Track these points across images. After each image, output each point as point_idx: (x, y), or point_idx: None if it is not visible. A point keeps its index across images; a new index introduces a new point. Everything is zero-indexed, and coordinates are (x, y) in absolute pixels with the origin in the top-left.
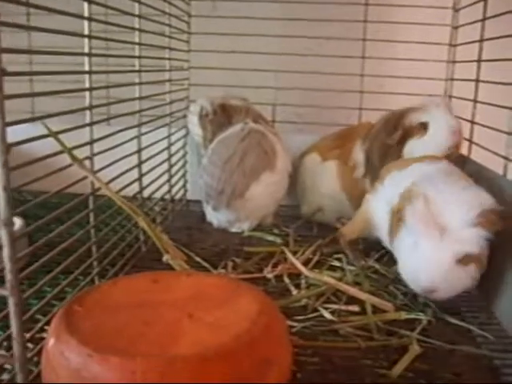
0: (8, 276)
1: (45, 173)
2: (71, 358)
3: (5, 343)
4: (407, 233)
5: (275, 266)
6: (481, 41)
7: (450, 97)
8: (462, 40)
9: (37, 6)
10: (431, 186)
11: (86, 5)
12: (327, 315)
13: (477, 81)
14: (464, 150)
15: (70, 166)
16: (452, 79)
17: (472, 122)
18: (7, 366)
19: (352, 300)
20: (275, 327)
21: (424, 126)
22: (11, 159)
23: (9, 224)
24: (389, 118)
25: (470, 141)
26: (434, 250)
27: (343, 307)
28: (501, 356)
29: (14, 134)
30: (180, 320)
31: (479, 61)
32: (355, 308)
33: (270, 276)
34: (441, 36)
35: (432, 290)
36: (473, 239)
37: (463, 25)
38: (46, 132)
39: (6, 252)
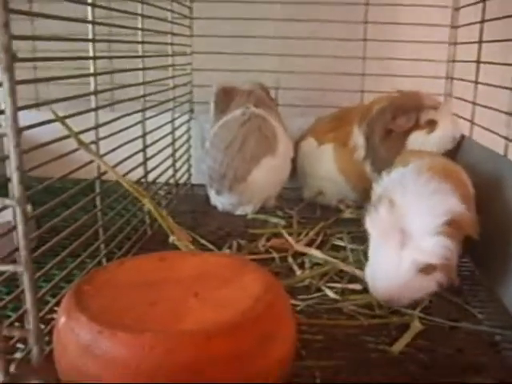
0: (22, 252)
1: (48, 159)
2: (81, 335)
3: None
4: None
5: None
6: (482, 22)
7: (452, 78)
8: (463, 21)
9: None
10: (401, 189)
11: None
12: (331, 294)
13: (478, 62)
14: (466, 131)
15: (75, 150)
16: (454, 61)
17: (473, 103)
18: (20, 346)
19: (354, 278)
20: (279, 305)
21: (433, 124)
22: None
23: (22, 202)
24: (397, 103)
25: (472, 122)
26: (392, 259)
27: (347, 286)
28: (502, 332)
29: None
30: (186, 298)
31: (480, 42)
32: (357, 286)
33: (262, 249)
34: (442, 17)
35: (389, 299)
36: (436, 249)
37: (464, 6)
38: (50, 119)
39: (19, 229)
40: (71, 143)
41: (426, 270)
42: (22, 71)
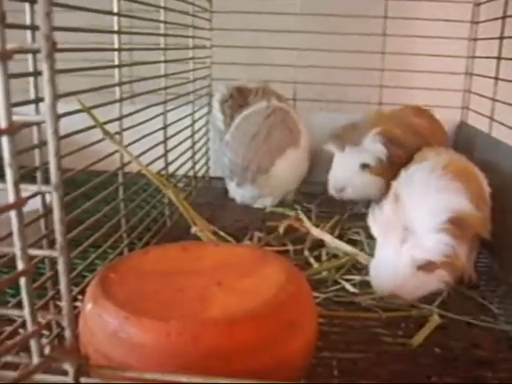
0: (58, 238)
1: (70, 150)
2: (109, 321)
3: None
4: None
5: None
6: (503, 17)
7: (472, 74)
8: (484, 17)
9: None
10: (409, 185)
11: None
12: (349, 287)
13: (498, 58)
14: (485, 127)
15: (99, 141)
16: (473, 57)
17: (493, 100)
18: (45, 332)
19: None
20: (302, 294)
21: None
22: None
23: (58, 188)
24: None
25: (492, 118)
26: (392, 256)
27: (364, 278)
28: None
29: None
30: (210, 287)
31: (501, 38)
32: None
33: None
34: (463, 13)
35: (389, 296)
36: (435, 246)
37: (485, 2)
38: (78, 109)
39: (56, 214)
40: (93, 135)
41: (426, 267)
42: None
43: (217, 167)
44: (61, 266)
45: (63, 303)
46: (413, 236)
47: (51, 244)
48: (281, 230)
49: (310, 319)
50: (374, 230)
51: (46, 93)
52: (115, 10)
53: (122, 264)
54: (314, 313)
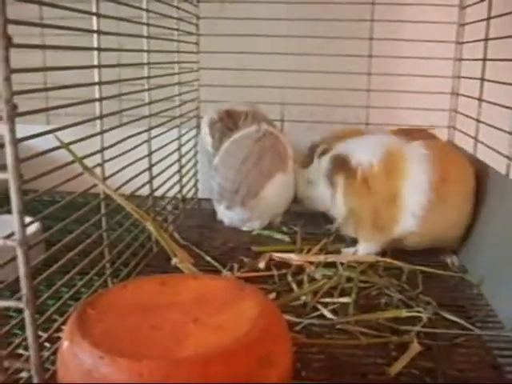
0: (24, 290)
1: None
2: (83, 360)
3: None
4: None
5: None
6: (486, 40)
7: (458, 94)
8: (468, 38)
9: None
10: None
11: (94, 20)
12: (326, 313)
13: (482, 79)
14: (470, 148)
15: (80, 174)
16: (459, 77)
17: (477, 121)
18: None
19: (345, 292)
20: (274, 328)
21: None
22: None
23: (24, 244)
24: None
25: (476, 139)
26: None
27: (336, 300)
28: (502, 353)
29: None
30: (186, 323)
31: (485, 60)
32: (347, 299)
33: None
34: (448, 34)
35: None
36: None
37: (470, 23)
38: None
39: (21, 270)
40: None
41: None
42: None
43: (206, 188)
44: (27, 319)
45: (31, 353)
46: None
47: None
48: (261, 265)
49: (284, 354)
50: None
51: (9, 157)
52: (95, 44)
53: (100, 299)
54: (288, 346)
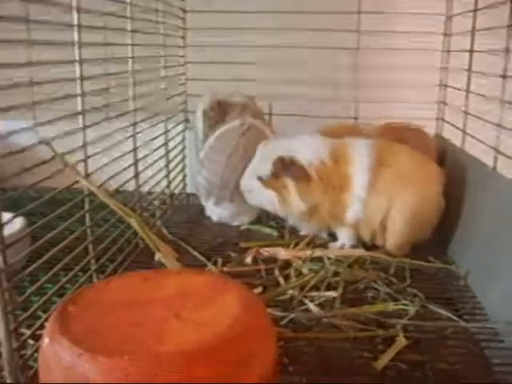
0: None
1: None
2: (64, 357)
3: None
4: None
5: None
6: (473, 31)
7: (445, 86)
8: (456, 30)
9: None
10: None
11: (75, 14)
12: (312, 307)
13: (469, 71)
14: (458, 141)
15: (61, 169)
16: (447, 68)
17: (465, 113)
18: None
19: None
20: (258, 324)
21: None
22: None
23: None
24: None
25: (464, 131)
26: (251, 165)
27: (323, 294)
28: (489, 345)
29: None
30: (168, 319)
31: (471, 51)
32: (334, 293)
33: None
34: (436, 25)
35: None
36: (265, 169)
37: (457, 14)
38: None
39: None
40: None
41: (261, 182)
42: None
43: (194, 183)
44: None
45: (4, 354)
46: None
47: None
48: (248, 260)
49: (267, 349)
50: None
51: None
52: (76, 39)
53: (82, 296)
54: (273, 342)
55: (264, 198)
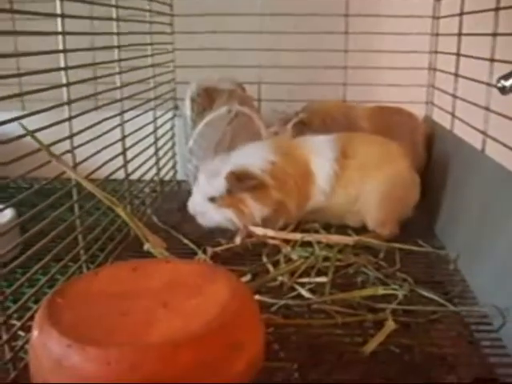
0: None
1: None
2: (52, 349)
3: None
4: None
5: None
6: (461, 14)
7: (434, 69)
8: (445, 13)
9: None
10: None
11: (58, 3)
12: (304, 293)
13: (458, 54)
14: (447, 124)
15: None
16: (436, 52)
17: (454, 96)
18: None
19: (322, 272)
20: (246, 312)
21: None
22: None
23: None
24: None
25: (453, 114)
26: (196, 187)
27: (313, 280)
28: (478, 328)
29: None
30: (155, 309)
31: (460, 34)
32: (324, 279)
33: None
34: (424, 9)
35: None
36: (218, 186)
37: None
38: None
39: None
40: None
41: (215, 201)
42: None
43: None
44: None
45: None
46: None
47: None
48: (237, 240)
49: (255, 338)
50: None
51: None
52: (59, 28)
53: (70, 287)
54: (261, 330)
55: (220, 217)
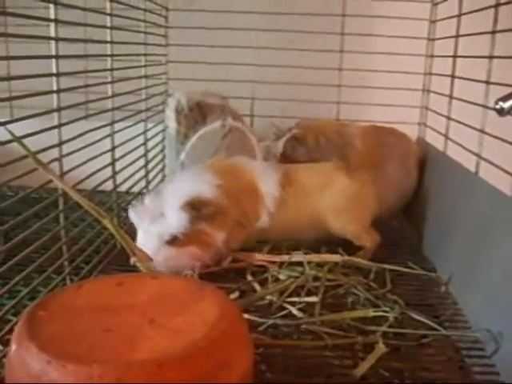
0: None
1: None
2: (31, 365)
3: None
4: None
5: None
6: (457, 36)
7: (428, 91)
8: (440, 35)
9: None
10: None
11: (52, 9)
12: (295, 312)
13: (452, 76)
14: (440, 146)
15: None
16: (430, 74)
17: (448, 118)
18: None
19: (311, 291)
20: (234, 331)
21: None
22: None
23: None
24: None
25: (446, 136)
26: (143, 235)
27: (302, 299)
28: (470, 353)
29: None
30: (141, 325)
31: (455, 56)
32: (314, 299)
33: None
34: (419, 30)
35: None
36: (176, 222)
37: (441, 19)
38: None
39: None
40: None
41: (174, 241)
42: None
43: None
44: None
45: None
46: (163, 217)
47: None
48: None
49: (244, 357)
50: (133, 218)
51: None
52: (52, 34)
53: (52, 300)
54: (249, 350)
55: (185, 259)
